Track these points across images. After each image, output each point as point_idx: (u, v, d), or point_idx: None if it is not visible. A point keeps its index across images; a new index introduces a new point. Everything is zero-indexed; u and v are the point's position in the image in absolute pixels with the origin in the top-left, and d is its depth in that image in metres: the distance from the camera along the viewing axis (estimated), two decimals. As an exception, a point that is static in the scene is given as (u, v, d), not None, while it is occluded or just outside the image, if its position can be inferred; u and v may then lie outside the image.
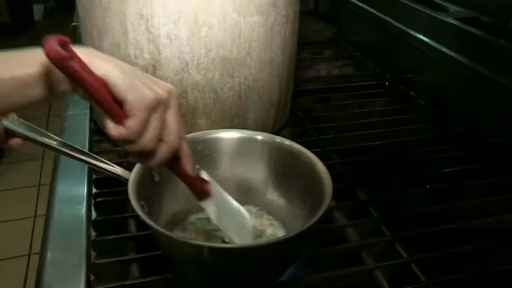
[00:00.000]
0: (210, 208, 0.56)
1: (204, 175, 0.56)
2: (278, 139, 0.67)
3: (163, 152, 0.46)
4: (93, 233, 0.70)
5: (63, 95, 0.45)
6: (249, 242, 0.60)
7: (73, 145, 0.57)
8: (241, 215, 0.62)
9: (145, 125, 0.43)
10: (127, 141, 0.43)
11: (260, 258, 0.54)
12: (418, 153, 0.90)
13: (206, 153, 0.66)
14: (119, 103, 0.42)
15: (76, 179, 0.77)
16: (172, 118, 0.46)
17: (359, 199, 0.76)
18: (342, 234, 0.69)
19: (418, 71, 1.18)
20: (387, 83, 1.14)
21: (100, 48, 0.74)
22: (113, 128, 0.42)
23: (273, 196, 0.68)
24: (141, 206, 0.56)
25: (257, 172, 0.68)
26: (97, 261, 0.63)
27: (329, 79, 1.17)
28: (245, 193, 0.70)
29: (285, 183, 0.67)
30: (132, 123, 0.42)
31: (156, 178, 0.64)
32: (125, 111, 0.42)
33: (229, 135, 0.67)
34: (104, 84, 0.41)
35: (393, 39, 1.27)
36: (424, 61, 1.16)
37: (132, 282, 0.60)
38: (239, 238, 0.59)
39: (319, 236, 0.69)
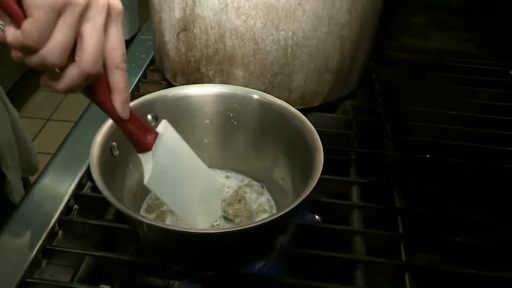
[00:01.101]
0: (146, 164, 0.46)
1: (163, 124, 0.48)
2: (279, 102, 0.57)
3: (71, 75, 0.37)
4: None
5: None
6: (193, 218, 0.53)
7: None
8: (205, 185, 0.55)
9: (46, 31, 0.35)
10: (25, 49, 0.35)
11: (207, 246, 0.47)
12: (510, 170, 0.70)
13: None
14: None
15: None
16: (90, 34, 0.36)
17: (391, 205, 0.62)
18: (346, 240, 0.58)
19: None
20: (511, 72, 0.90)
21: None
22: (10, 33, 0.35)
23: (277, 175, 0.59)
24: (110, 148, 0.52)
25: (255, 142, 0.60)
26: (80, 192, 0.62)
27: (438, 53, 0.96)
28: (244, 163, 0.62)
29: (286, 161, 0.57)
30: (28, 25, 0.34)
31: (152, 123, 0.58)
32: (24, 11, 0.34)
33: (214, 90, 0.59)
34: None
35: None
36: None
37: (97, 222, 0.57)
38: (177, 207, 0.51)
39: (317, 235, 0.58)
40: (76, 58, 0.37)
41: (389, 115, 0.77)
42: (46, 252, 0.54)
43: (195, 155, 0.53)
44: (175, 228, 0.45)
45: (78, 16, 0.36)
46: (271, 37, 0.65)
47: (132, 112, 0.44)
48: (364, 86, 0.83)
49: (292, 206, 0.44)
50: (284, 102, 0.57)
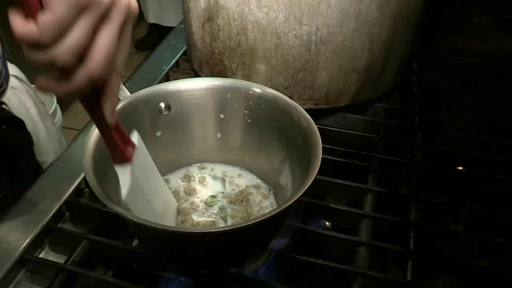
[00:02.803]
0: (124, 177, 0.43)
1: (135, 137, 0.45)
2: (293, 103, 0.54)
3: (79, 77, 0.33)
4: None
5: None
6: None
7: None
8: (165, 201, 0.53)
9: (65, 28, 0.30)
10: (36, 44, 0.30)
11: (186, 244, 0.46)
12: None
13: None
14: None
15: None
16: (106, 36, 0.33)
17: (405, 219, 0.57)
18: (348, 249, 0.54)
19: None
20: None
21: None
22: (19, 24, 0.29)
23: (283, 180, 0.56)
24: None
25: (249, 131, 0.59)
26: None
27: (499, 58, 0.88)
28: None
29: (292, 165, 0.54)
30: (46, 19, 0.29)
31: (165, 112, 0.58)
32: (42, 2, 0.30)
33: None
34: None
35: None
36: None
37: (100, 207, 0.57)
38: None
39: (321, 242, 0.55)
40: (86, 59, 0.33)
41: (423, 121, 0.72)
42: (48, 231, 0.56)
43: (157, 168, 0.51)
44: (153, 225, 0.44)
45: (100, 15, 0.33)
46: (294, 32, 0.63)
47: (116, 120, 0.40)
48: (401, 89, 0.78)
49: (271, 214, 0.42)
50: (298, 105, 0.54)
